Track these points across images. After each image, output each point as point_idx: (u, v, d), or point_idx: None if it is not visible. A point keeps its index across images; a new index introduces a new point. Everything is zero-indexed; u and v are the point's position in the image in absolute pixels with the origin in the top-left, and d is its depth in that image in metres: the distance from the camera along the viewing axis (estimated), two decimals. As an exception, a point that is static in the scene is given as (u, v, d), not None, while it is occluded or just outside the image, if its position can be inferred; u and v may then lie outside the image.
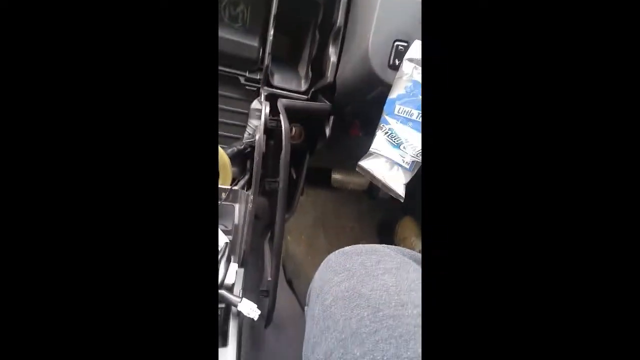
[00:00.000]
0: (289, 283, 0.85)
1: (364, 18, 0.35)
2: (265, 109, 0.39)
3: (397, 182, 0.33)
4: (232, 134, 0.50)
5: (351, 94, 0.41)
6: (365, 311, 0.22)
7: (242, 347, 0.48)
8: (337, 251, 0.28)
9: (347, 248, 0.28)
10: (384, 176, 0.33)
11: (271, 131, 0.41)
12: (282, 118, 0.37)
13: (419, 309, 0.22)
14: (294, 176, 0.56)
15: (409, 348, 0.20)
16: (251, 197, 0.37)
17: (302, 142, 0.51)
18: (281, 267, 0.85)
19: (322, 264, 0.29)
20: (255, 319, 0.31)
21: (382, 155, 0.33)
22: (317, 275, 0.28)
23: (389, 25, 0.32)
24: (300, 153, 0.52)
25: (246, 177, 0.47)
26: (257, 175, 0.37)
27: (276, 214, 0.38)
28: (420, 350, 0.20)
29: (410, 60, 0.31)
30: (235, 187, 0.41)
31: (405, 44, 0.32)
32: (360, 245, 0.29)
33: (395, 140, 0.32)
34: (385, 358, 0.19)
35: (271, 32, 0.41)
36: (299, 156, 0.52)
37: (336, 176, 0.86)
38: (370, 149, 0.34)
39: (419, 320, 0.21)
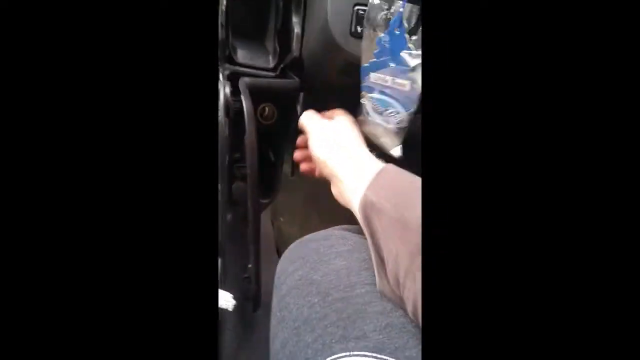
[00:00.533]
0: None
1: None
2: (225, 89, 0.36)
3: (391, 145, 0.34)
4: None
5: (319, 67, 0.38)
6: (315, 297, 0.22)
7: (235, 334, 0.49)
8: (296, 240, 0.28)
9: (306, 236, 0.28)
10: (378, 141, 0.34)
11: (237, 113, 0.39)
12: (244, 97, 0.34)
13: (368, 287, 0.22)
14: (272, 158, 0.54)
15: (355, 327, 0.20)
16: (219, 186, 0.35)
17: (275, 121, 0.49)
18: (275, 250, 0.85)
19: (283, 254, 0.28)
20: (230, 309, 0.31)
21: (370, 121, 0.34)
22: (278, 266, 0.28)
23: (347, -13, 0.29)
24: (275, 133, 0.50)
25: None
26: (222, 161, 0.35)
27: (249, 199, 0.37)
28: (366, 328, 0.20)
29: (371, 23, 0.29)
30: None
31: (367, 8, 0.29)
32: (322, 231, 0.29)
33: (377, 109, 0.33)
34: (333, 341, 0.19)
35: (224, 1, 0.37)
36: (275, 137, 0.50)
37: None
38: (359, 117, 0.33)
39: (367, 298, 0.21)
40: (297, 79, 0.41)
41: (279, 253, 0.92)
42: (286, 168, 0.57)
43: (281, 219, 0.99)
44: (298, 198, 0.96)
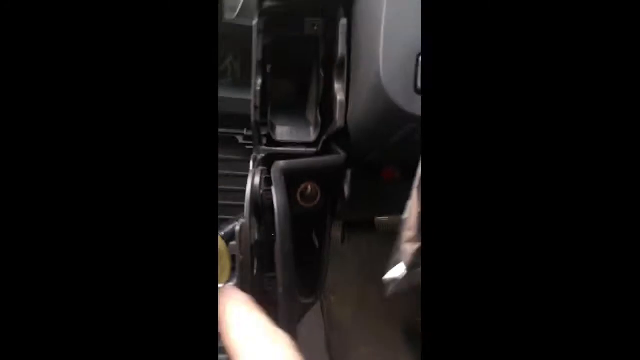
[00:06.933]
0: (334, 369, 0.69)
1: (368, 34, 0.26)
2: (255, 179, 0.30)
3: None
4: (231, 202, 0.42)
5: (370, 138, 0.30)
6: None
7: None
8: None
9: None
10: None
11: (269, 209, 0.31)
12: (275, 190, 0.27)
13: None
14: (317, 244, 0.44)
15: None
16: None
17: (319, 202, 0.40)
18: (324, 344, 0.69)
19: None
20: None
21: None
22: None
23: (403, 34, 0.22)
24: (319, 217, 0.41)
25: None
26: (241, 281, 0.26)
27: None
28: None
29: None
30: (231, 284, 0.31)
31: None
32: None
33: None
34: None
35: (258, 81, 0.33)
36: (319, 220, 0.41)
37: (381, 219, 0.70)
38: None
39: None
40: (342, 154, 0.33)
41: (329, 343, 0.75)
42: (334, 232, 0.47)
43: (332, 298, 0.84)
44: (351, 270, 0.82)
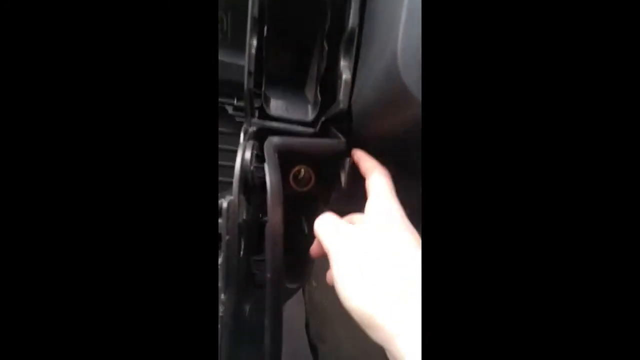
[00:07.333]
0: (313, 350, 0.70)
1: (388, 6, 0.22)
2: (245, 153, 0.27)
3: None
4: (220, 178, 0.39)
5: (375, 125, 0.28)
6: None
7: None
8: None
9: None
10: None
11: (260, 187, 0.28)
12: (268, 167, 0.24)
13: None
14: (306, 230, 0.42)
15: None
16: (222, 297, 0.24)
17: (312, 187, 0.38)
18: (304, 326, 0.70)
19: None
20: None
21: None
22: None
23: (431, 10, 0.19)
24: (311, 203, 0.39)
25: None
26: (229, 254, 0.24)
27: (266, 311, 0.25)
28: None
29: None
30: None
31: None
32: None
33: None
34: None
35: (253, 42, 0.29)
36: (311, 207, 0.39)
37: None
38: None
39: None
40: (342, 139, 0.30)
41: (308, 326, 0.77)
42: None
43: (313, 284, 0.85)
44: None
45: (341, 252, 0.23)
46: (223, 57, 0.37)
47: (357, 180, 0.31)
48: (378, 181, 0.26)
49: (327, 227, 0.25)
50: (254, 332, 0.35)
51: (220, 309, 0.28)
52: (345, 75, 0.28)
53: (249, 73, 0.30)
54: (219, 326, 0.28)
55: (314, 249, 0.31)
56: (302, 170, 0.38)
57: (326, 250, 0.25)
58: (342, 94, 0.29)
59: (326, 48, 0.32)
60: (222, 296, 0.29)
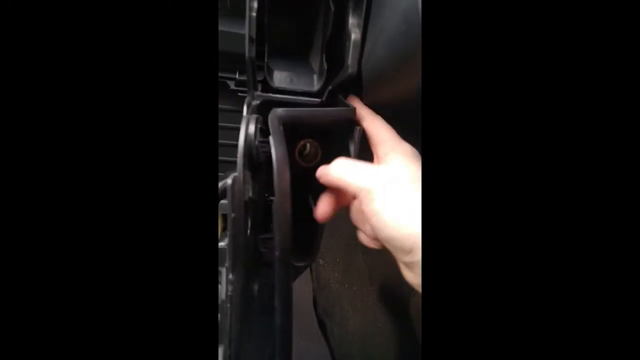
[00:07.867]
0: (321, 326, 0.71)
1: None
2: (249, 127, 0.25)
3: None
4: (222, 157, 0.37)
5: (388, 90, 0.25)
6: None
7: None
8: None
9: None
10: None
11: (265, 162, 0.27)
12: (273, 141, 0.22)
13: None
14: (312, 205, 0.41)
15: None
16: (230, 277, 0.23)
17: (319, 162, 0.36)
18: (312, 304, 0.71)
19: None
20: None
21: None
22: None
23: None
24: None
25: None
26: (236, 232, 0.23)
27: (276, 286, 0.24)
28: None
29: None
30: (222, 244, 0.28)
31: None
32: None
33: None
34: None
35: (254, 4, 0.27)
36: (318, 182, 0.37)
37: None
38: None
39: None
40: (351, 106, 0.28)
41: (316, 301, 0.77)
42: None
43: (320, 262, 0.85)
44: (340, 238, 0.82)
45: (372, 186, 0.23)
46: (224, 27, 0.34)
47: (366, 150, 0.29)
48: (381, 127, 0.26)
49: (347, 169, 0.25)
50: (264, 311, 0.34)
51: (229, 288, 0.27)
52: (355, 35, 0.26)
53: (250, 39, 0.28)
54: (228, 305, 0.27)
55: (321, 210, 0.30)
56: (308, 145, 0.36)
57: (351, 190, 0.25)
58: (351, 57, 0.26)
59: (332, 9, 0.29)
60: (230, 276, 0.28)
